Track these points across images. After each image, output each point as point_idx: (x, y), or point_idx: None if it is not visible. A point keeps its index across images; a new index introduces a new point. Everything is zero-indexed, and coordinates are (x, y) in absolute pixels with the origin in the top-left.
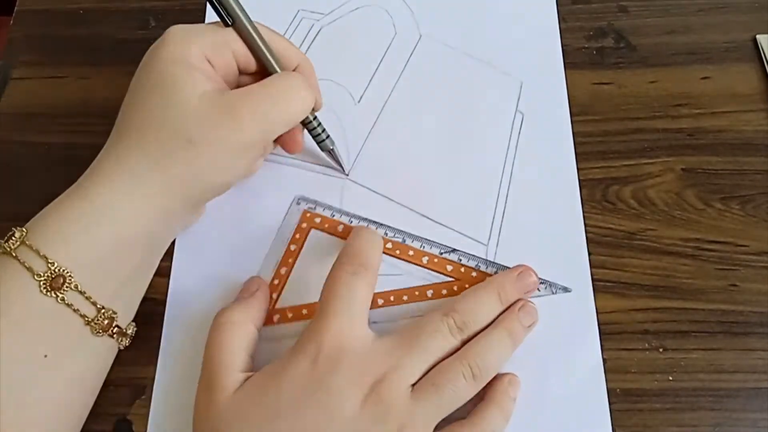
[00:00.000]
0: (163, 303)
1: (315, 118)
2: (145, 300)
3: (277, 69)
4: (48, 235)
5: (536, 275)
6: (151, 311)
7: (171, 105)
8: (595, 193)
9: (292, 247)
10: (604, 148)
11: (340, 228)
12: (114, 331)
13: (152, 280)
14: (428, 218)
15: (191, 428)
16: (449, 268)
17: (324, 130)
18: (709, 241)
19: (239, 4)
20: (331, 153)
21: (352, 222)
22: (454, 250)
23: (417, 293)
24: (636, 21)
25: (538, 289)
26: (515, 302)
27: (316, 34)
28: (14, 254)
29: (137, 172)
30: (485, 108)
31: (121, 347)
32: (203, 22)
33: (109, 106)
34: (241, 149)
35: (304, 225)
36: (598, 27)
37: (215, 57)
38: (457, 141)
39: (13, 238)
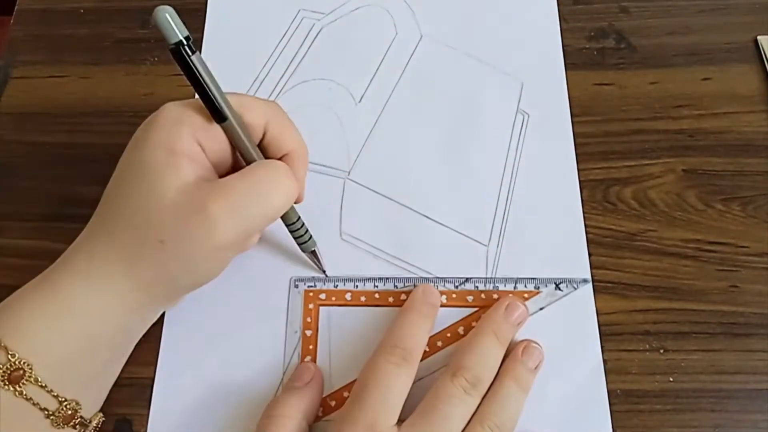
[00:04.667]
0: None
1: (298, 218)
2: None
3: (258, 157)
4: (11, 325)
5: (523, 304)
6: None
7: (148, 199)
8: (596, 194)
9: (308, 333)
10: (604, 149)
11: (348, 296)
12: (77, 422)
13: None
14: (429, 218)
15: (191, 428)
16: (470, 298)
17: (306, 230)
18: (710, 242)
19: (225, 100)
20: (313, 254)
21: (357, 286)
22: (467, 280)
23: (449, 335)
24: (637, 22)
25: (559, 289)
26: (518, 345)
27: (317, 34)
28: None
29: (109, 271)
30: (486, 108)
31: None
32: (203, 22)
33: (109, 106)
34: (214, 251)
35: (311, 306)
36: (599, 27)
37: (207, 140)
38: (458, 141)
39: None
